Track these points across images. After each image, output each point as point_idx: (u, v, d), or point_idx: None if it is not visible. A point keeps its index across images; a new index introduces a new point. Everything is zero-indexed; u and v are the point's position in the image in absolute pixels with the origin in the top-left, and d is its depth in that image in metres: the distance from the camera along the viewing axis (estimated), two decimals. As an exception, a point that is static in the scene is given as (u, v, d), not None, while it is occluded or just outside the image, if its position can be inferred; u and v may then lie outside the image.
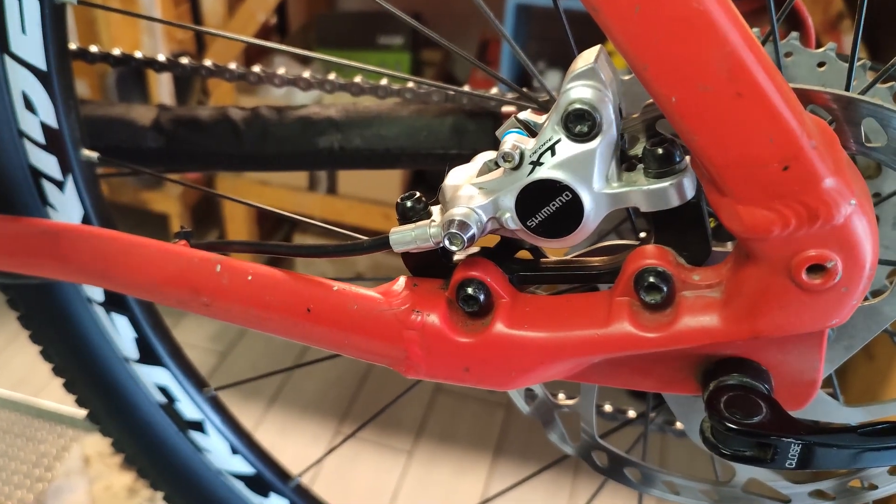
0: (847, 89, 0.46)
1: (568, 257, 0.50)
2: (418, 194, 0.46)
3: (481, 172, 0.45)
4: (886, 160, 0.42)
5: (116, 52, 0.73)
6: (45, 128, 0.59)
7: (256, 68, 0.73)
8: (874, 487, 0.53)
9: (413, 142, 0.69)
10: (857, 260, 0.38)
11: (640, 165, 0.42)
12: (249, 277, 0.51)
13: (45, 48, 0.57)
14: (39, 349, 0.72)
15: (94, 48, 0.73)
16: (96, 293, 0.68)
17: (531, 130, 0.43)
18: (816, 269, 0.38)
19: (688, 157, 0.41)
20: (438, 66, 2.13)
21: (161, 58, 0.73)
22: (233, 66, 0.73)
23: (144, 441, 0.75)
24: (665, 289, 0.42)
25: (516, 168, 0.42)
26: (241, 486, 0.77)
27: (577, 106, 0.40)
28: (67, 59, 0.59)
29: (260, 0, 1.70)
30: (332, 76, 0.73)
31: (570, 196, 0.41)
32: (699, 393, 0.45)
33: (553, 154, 0.41)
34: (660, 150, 0.40)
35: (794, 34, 0.49)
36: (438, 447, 1.74)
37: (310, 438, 1.73)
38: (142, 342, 0.70)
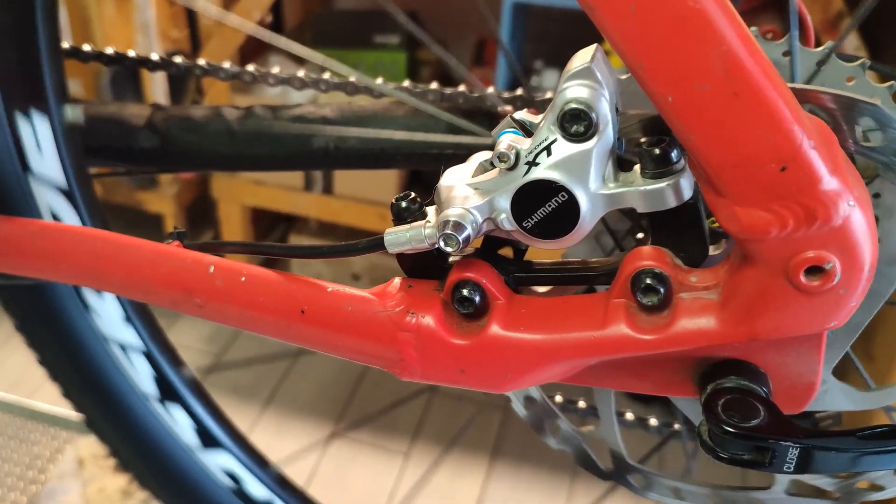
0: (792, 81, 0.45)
1: (562, 259, 0.49)
2: (413, 195, 0.46)
3: (477, 173, 0.44)
4: (885, 160, 0.42)
5: (110, 50, 0.73)
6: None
7: (251, 67, 0.73)
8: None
9: (408, 141, 0.69)
10: (855, 261, 0.37)
11: (637, 166, 0.41)
12: (243, 278, 0.51)
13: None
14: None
15: (87, 47, 0.72)
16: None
17: (527, 130, 0.43)
18: (815, 270, 0.38)
19: (685, 158, 0.41)
20: (435, 64, 2.12)
21: (155, 57, 0.72)
22: (227, 65, 0.73)
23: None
24: (662, 290, 0.42)
25: (512, 168, 0.42)
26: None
27: (574, 106, 0.40)
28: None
29: (255, -2, 1.70)
30: (326, 75, 0.72)
31: (567, 197, 0.41)
32: (696, 395, 0.44)
33: (549, 154, 0.41)
34: (657, 151, 0.40)
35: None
36: (435, 449, 1.73)
37: (305, 439, 1.73)
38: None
